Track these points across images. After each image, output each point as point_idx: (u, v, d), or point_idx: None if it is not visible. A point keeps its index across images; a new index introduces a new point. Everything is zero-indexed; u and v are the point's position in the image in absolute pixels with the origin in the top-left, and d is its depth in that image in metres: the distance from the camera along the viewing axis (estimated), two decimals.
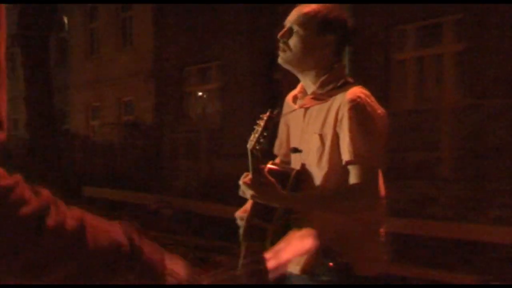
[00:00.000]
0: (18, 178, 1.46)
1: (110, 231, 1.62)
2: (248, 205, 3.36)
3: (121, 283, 1.63)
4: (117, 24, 21.87)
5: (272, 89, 15.78)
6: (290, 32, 3.17)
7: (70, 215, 1.52)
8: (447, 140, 11.40)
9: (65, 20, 22.96)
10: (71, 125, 23.03)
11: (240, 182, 3.14)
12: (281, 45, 3.22)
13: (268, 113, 3.03)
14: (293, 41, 3.16)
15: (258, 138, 3.04)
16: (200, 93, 18.80)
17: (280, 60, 3.23)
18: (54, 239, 1.48)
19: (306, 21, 3.15)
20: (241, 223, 3.34)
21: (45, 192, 1.52)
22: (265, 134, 3.03)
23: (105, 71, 21.10)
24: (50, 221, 1.45)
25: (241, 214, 3.35)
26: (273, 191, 3.05)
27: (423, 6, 12.93)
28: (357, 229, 3.20)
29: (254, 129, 3.09)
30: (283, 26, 3.19)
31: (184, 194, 12.89)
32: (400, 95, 13.76)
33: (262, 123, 3.02)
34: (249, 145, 3.08)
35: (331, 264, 3.16)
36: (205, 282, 1.92)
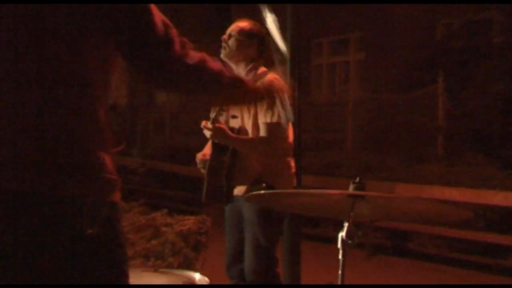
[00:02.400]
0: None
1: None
2: (205, 151, 3.83)
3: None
4: None
5: None
6: (229, 36, 3.68)
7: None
8: (351, 124, 11.81)
9: None
10: None
11: (202, 126, 3.56)
12: (223, 44, 3.69)
13: None
14: (230, 42, 3.67)
15: (219, 110, 3.54)
16: None
17: (221, 55, 3.69)
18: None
19: (240, 30, 3.68)
20: (200, 163, 3.79)
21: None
22: (223, 109, 3.56)
23: None
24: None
25: (200, 156, 3.79)
26: (224, 133, 3.51)
27: (335, 24, 13.51)
28: (276, 164, 3.69)
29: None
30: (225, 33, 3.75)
31: (154, 158, 13.65)
32: (317, 91, 14.27)
33: None
34: (212, 113, 3.56)
35: (264, 185, 3.60)
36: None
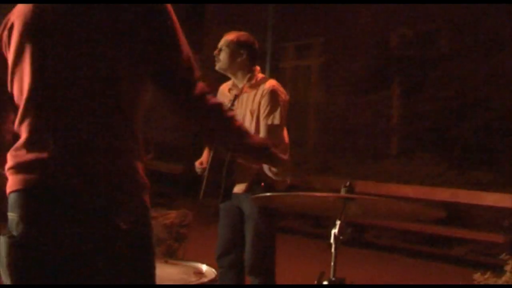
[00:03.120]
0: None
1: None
2: (202, 159, 3.90)
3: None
4: None
5: None
6: (220, 50, 3.75)
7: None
8: (312, 123, 11.95)
9: None
10: None
11: None
12: (216, 58, 3.74)
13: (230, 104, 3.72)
14: (222, 55, 3.74)
15: None
16: None
17: (216, 67, 3.76)
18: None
19: (228, 42, 3.74)
20: (198, 170, 3.89)
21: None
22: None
23: None
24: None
25: (198, 165, 3.90)
26: None
27: (298, 30, 13.57)
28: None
29: None
30: (216, 48, 3.81)
31: None
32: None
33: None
34: None
35: (262, 184, 3.70)
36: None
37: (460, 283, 5.29)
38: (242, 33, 3.86)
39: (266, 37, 10.11)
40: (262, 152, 2.16)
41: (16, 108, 1.94)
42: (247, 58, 3.74)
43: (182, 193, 10.56)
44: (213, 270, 2.75)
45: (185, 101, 1.96)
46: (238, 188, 3.76)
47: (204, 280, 2.56)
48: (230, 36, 3.78)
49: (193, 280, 2.59)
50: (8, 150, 1.94)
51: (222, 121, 2.03)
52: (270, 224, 3.76)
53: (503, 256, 3.90)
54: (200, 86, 1.97)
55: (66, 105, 1.86)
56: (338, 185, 7.15)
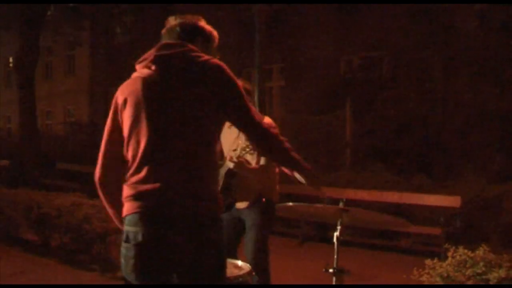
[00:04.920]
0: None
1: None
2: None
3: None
4: (65, 59, 21.71)
5: None
6: None
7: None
8: None
9: None
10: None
11: (228, 160, 3.81)
12: None
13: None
14: None
15: (244, 149, 3.78)
16: None
17: None
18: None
19: None
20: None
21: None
22: (245, 151, 3.80)
23: (56, 89, 21.20)
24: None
25: None
26: (243, 164, 3.86)
27: (261, 56, 14.15)
28: (271, 183, 4.05)
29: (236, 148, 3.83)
30: None
31: None
32: None
33: (245, 145, 3.78)
34: (239, 151, 3.81)
35: (264, 199, 3.98)
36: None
37: (409, 269, 5.81)
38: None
39: (233, 62, 10.46)
40: (299, 166, 2.53)
41: (123, 157, 2.40)
42: None
43: None
44: (247, 264, 3.16)
45: (256, 134, 2.38)
46: (242, 204, 4.02)
47: (244, 271, 3.05)
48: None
49: (236, 272, 3.05)
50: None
51: (279, 145, 2.44)
52: (267, 231, 4.06)
53: (446, 245, 4.53)
54: (265, 123, 2.38)
55: (171, 151, 2.29)
56: (303, 192, 7.63)
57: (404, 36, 11.56)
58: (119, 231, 6.62)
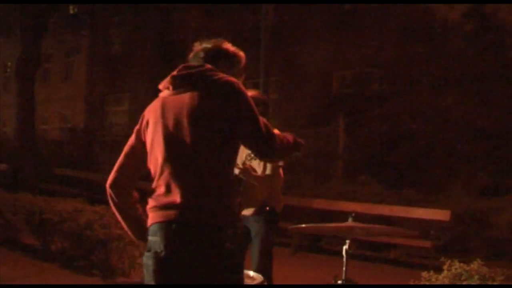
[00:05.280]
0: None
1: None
2: None
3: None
4: (63, 65, 21.71)
5: None
6: None
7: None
8: None
9: None
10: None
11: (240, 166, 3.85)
12: None
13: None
14: None
15: (249, 155, 3.83)
16: (114, 112, 18.91)
17: None
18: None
19: None
20: None
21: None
22: (250, 157, 3.85)
23: (53, 95, 21.19)
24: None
25: None
26: (249, 171, 3.93)
27: (256, 69, 13.94)
28: (275, 192, 4.11)
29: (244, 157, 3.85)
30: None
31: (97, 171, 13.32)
32: None
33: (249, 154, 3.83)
34: (244, 158, 3.86)
35: (267, 208, 4.05)
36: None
37: (400, 280, 5.84)
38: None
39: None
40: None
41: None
42: (261, 113, 3.86)
43: None
44: (259, 275, 3.19)
45: (269, 150, 2.41)
46: (248, 211, 4.08)
47: (256, 282, 3.11)
48: (249, 93, 3.90)
49: (249, 282, 3.07)
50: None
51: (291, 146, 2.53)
52: (271, 240, 4.14)
53: (442, 259, 4.65)
54: (276, 136, 2.41)
55: (187, 166, 2.35)
56: (297, 203, 7.71)
57: (395, 54, 11.76)
58: (120, 238, 6.65)
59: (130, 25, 16.64)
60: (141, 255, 6.14)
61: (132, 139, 2.58)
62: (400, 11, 11.97)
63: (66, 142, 17.61)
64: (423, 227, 8.20)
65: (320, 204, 9.07)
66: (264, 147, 2.39)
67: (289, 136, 2.57)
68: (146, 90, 16.73)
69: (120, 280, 6.40)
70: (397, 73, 11.74)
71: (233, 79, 2.44)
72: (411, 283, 4.55)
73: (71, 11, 13.99)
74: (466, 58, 10.63)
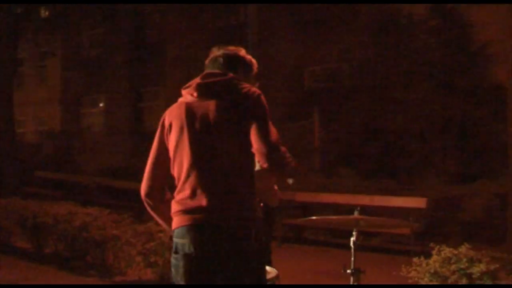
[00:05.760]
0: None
1: None
2: None
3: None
4: (37, 69, 21.60)
5: (138, 113, 16.69)
6: None
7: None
8: None
9: None
10: None
11: None
12: None
13: None
14: None
15: None
16: (90, 113, 18.93)
17: None
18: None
19: None
20: None
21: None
22: None
23: (28, 98, 20.80)
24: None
25: None
26: None
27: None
28: (270, 187, 3.71)
29: None
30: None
31: (96, 174, 13.44)
32: None
33: None
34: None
35: (261, 204, 3.93)
36: None
37: (386, 265, 6.00)
38: None
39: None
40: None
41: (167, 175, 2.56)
42: None
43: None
44: (273, 269, 3.23)
45: (272, 159, 2.41)
46: None
47: (272, 275, 3.16)
48: None
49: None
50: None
51: (284, 166, 2.56)
52: (269, 236, 4.14)
53: (431, 244, 4.80)
54: (282, 149, 2.50)
55: (212, 170, 2.44)
56: (280, 196, 7.88)
57: (364, 50, 12.00)
58: (116, 238, 6.71)
59: (103, 27, 16.56)
60: (138, 254, 6.38)
61: (155, 145, 2.61)
62: (368, 9, 12.25)
63: (44, 145, 17.39)
64: (402, 215, 8.50)
65: (302, 197, 9.22)
66: (268, 155, 2.40)
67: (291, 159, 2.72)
68: (121, 91, 16.81)
69: (118, 278, 6.44)
70: (366, 68, 11.97)
71: (257, 90, 2.54)
72: (403, 268, 4.70)
73: (43, 15, 13.84)
74: (432, 52, 10.94)
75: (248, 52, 2.74)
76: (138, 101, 16.62)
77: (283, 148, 2.59)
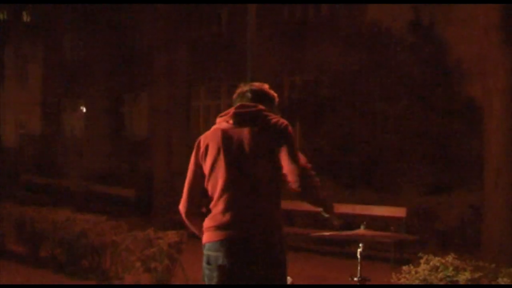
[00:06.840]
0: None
1: None
2: None
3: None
4: (17, 72, 21.41)
5: (119, 118, 16.76)
6: None
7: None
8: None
9: None
10: None
11: None
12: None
13: None
14: None
15: None
16: (71, 117, 19.01)
17: None
18: None
19: None
20: None
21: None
22: None
23: (7, 101, 20.89)
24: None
25: None
26: None
27: (209, 74, 14.61)
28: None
29: None
30: None
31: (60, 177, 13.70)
32: (196, 125, 15.39)
33: None
34: None
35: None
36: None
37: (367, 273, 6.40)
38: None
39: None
40: (323, 203, 3.06)
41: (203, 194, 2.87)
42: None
43: (134, 213, 11.10)
44: (288, 277, 3.18)
45: (301, 183, 2.76)
46: None
47: (288, 282, 3.21)
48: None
49: None
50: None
51: (312, 187, 2.95)
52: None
53: (419, 254, 5.12)
54: (312, 173, 2.94)
55: (244, 188, 2.78)
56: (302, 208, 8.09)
57: (343, 62, 12.41)
58: (115, 244, 6.97)
59: (84, 32, 16.69)
60: (137, 260, 6.60)
61: (191, 167, 2.93)
62: (347, 22, 12.69)
63: (24, 148, 17.28)
64: (381, 224, 8.88)
65: (285, 205, 9.46)
66: (300, 175, 2.76)
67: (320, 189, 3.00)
68: (101, 94, 16.90)
69: (115, 282, 6.68)
70: (344, 80, 12.37)
71: (285, 121, 2.92)
72: (393, 275, 5.12)
73: (25, 19, 13.83)
74: (410, 67, 11.47)
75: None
76: (119, 106, 16.79)
77: (312, 172, 2.98)
